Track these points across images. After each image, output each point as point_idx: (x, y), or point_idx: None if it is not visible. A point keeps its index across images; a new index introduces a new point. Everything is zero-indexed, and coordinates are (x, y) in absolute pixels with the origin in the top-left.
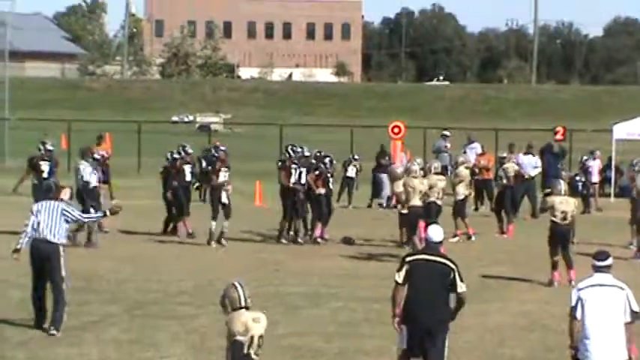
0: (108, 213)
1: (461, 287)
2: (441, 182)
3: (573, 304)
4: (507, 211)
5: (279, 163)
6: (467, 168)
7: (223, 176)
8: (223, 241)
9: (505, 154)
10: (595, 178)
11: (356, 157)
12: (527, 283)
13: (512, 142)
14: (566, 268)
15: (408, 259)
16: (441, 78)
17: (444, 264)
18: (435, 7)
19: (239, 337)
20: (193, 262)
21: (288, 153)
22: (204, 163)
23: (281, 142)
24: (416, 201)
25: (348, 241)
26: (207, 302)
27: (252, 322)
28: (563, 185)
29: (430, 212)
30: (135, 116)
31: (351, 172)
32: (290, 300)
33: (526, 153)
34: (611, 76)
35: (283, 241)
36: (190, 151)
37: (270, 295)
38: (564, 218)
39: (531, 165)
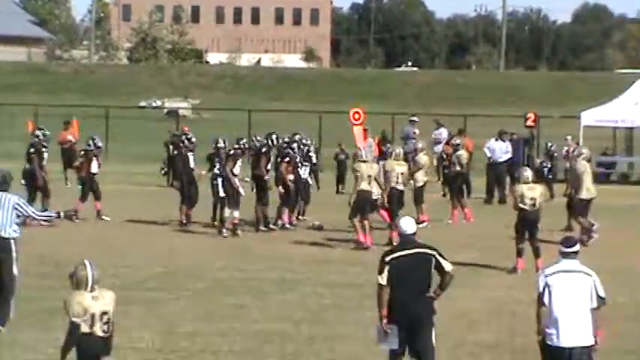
0: (62, 215)
1: (447, 266)
2: (399, 167)
3: (540, 290)
4: (459, 197)
5: (262, 150)
6: (426, 155)
7: (238, 167)
8: (239, 232)
9: (458, 141)
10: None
11: (304, 140)
12: (493, 269)
13: (460, 128)
14: (533, 256)
15: (387, 258)
16: (410, 64)
17: (424, 253)
18: None
19: (74, 319)
20: (162, 248)
21: (271, 140)
22: (171, 149)
23: (249, 127)
24: (364, 185)
25: (316, 227)
26: (176, 288)
27: (91, 301)
28: (529, 172)
29: (392, 198)
30: (102, 101)
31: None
32: (259, 285)
33: (497, 139)
34: (579, 62)
35: (263, 228)
36: (194, 139)
37: (239, 281)
38: (534, 205)
39: (502, 151)
